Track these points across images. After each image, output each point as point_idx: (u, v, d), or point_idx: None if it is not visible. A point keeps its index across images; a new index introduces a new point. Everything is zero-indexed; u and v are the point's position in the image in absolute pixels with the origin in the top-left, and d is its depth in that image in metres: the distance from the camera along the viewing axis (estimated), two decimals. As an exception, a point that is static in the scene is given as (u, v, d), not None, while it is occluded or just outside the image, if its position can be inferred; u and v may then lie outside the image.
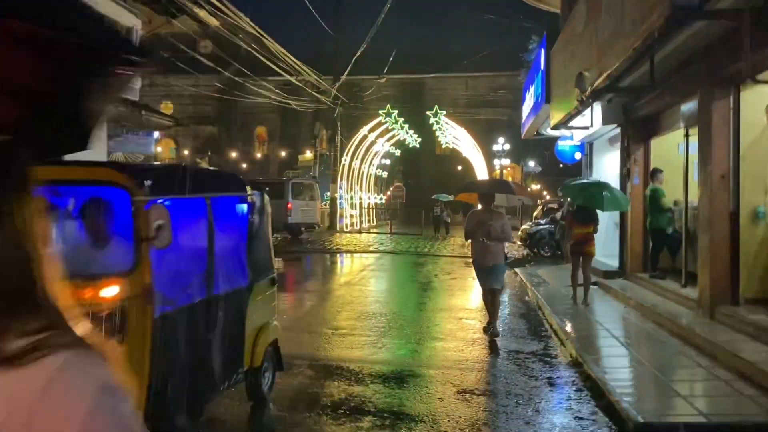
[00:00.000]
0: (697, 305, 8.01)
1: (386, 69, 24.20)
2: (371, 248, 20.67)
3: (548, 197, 34.33)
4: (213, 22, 19.04)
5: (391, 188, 45.40)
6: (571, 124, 11.63)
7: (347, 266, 16.68)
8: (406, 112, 35.04)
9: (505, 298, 11.39)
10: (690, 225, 9.28)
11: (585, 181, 11.55)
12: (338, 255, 19.18)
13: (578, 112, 9.39)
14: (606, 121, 11.91)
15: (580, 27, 8.94)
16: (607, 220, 15.15)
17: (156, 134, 32.33)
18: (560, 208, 22.47)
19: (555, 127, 11.79)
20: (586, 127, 11.62)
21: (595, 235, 10.35)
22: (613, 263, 12.68)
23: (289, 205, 21.46)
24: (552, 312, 9.29)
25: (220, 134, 60.56)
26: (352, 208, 30.42)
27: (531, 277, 13.70)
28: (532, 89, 14.41)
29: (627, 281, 11.42)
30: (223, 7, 17.80)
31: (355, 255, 19.42)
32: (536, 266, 16.02)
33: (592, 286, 11.77)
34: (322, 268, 16.12)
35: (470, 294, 11.80)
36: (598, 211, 9.96)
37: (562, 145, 15.65)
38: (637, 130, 11.50)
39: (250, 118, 62.01)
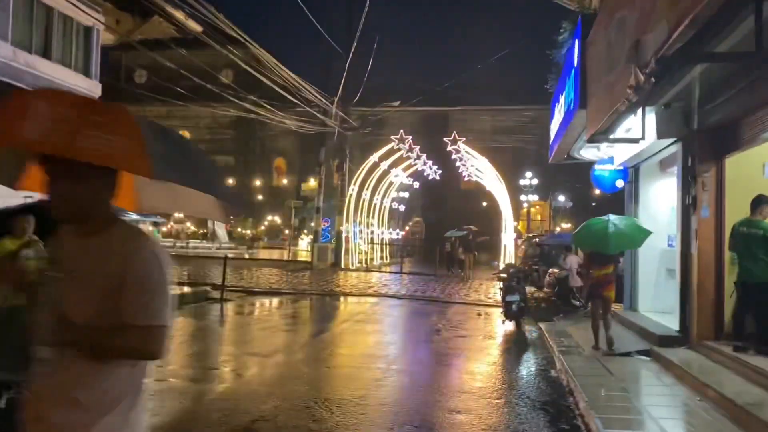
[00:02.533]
0: (836, 414, 4.84)
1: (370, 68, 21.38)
2: (371, 291, 17.63)
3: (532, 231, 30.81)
4: (194, 27, 16.65)
5: (410, 223, 42.42)
6: (615, 135, 8.62)
7: (331, 314, 13.64)
8: (429, 145, 32.41)
9: (523, 372, 8.25)
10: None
11: (590, 222, 9.57)
12: (328, 299, 16.18)
13: (630, 107, 6.40)
14: (662, 133, 8.89)
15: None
16: (657, 265, 11.98)
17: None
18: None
19: (593, 140, 8.78)
20: (636, 141, 8.60)
21: (617, 276, 9.74)
22: (671, 325, 9.46)
23: None
24: (590, 405, 6.15)
25: (238, 164, 58.65)
26: (364, 243, 27.55)
27: (559, 337, 10.52)
28: (562, 98, 11.46)
29: (693, 352, 8.21)
30: (202, 9, 15.39)
31: (349, 299, 16.41)
32: (566, 321, 12.82)
33: (643, 357, 8.67)
34: (294, 317, 13.13)
35: (476, 363, 8.68)
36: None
37: (599, 170, 12.59)
38: (705, 145, 8.43)
39: (270, 149, 60.21)
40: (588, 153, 12.94)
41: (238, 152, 59.19)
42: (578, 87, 9.06)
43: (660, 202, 12.05)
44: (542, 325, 12.03)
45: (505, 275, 13.51)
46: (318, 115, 22.82)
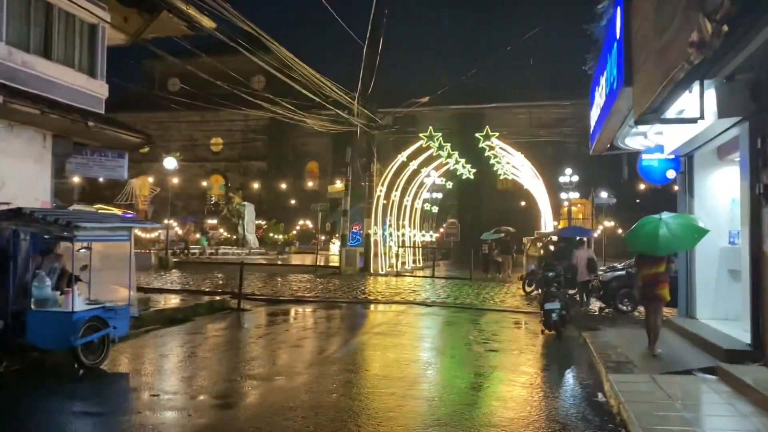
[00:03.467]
0: None
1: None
2: (398, 298, 16.48)
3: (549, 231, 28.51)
4: (208, 23, 15.83)
5: (444, 225, 41.09)
6: (667, 115, 7.31)
7: (351, 326, 12.54)
8: (463, 143, 31.16)
9: (565, 396, 7.00)
10: None
11: (642, 222, 8.83)
12: (352, 307, 15.09)
13: (691, 73, 5.14)
14: (725, 111, 7.56)
15: None
16: (717, 265, 10.54)
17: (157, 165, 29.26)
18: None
19: (641, 121, 7.48)
20: (693, 120, 7.27)
21: (669, 276, 8.87)
22: (740, 336, 8.09)
23: None
24: (649, 446, 4.91)
25: (270, 169, 58.23)
26: (395, 246, 26.44)
27: (606, 350, 9.21)
28: (603, 80, 10.14)
29: (771, 371, 6.85)
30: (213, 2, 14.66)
31: (374, 307, 15.31)
32: (614, 329, 11.47)
33: (708, 377, 7.34)
34: (310, 329, 12.09)
35: (509, 386, 7.46)
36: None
37: (647, 160, 11.23)
38: (779, 123, 7.09)
39: (303, 153, 59.62)
40: (634, 142, 11.59)
41: (270, 157, 58.78)
42: (622, 61, 7.77)
43: (718, 194, 10.66)
44: (586, 336, 10.72)
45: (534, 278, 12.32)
46: (341, 113, 21.82)
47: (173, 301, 14.35)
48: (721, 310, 10.30)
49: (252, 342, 10.29)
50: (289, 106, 19.47)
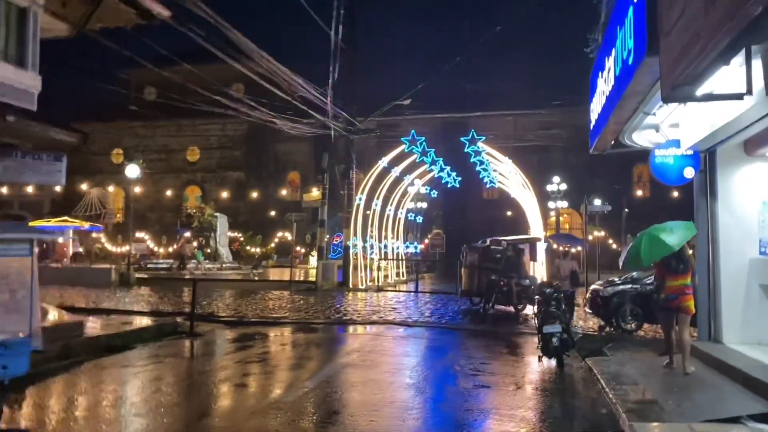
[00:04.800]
0: None
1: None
2: (376, 317, 14.73)
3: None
4: (161, 10, 14.14)
5: (429, 236, 39.48)
6: (699, 93, 5.70)
7: (315, 355, 10.70)
8: (448, 152, 29.66)
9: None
10: None
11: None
12: (322, 330, 13.33)
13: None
14: (774, 85, 5.98)
15: None
16: (745, 280, 8.96)
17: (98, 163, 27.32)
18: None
19: (672, 96, 5.78)
20: (740, 96, 5.69)
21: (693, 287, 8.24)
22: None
23: None
24: None
25: (249, 180, 56.27)
26: (376, 259, 24.74)
27: (621, 385, 7.54)
28: (609, 61, 8.55)
29: None
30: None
31: (348, 329, 13.57)
32: (622, 353, 9.82)
33: (762, 426, 5.70)
34: (265, 360, 10.31)
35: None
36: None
37: (661, 156, 9.64)
38: None
39: (284, 163, 57.76)
40: (642, 137, 10.04)
41: (249, 167, 56.89)
42: (644, 25, 6.16)
43: (746, 195, 9.13)
44: (592, 364, 9.07)
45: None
46: (316, 115, 20.15)
47: (117, 324, 12.51)
48: (752, 334, 8.73)
49: (190, 379, 8.49)
50: (261, 108, 17.78)
